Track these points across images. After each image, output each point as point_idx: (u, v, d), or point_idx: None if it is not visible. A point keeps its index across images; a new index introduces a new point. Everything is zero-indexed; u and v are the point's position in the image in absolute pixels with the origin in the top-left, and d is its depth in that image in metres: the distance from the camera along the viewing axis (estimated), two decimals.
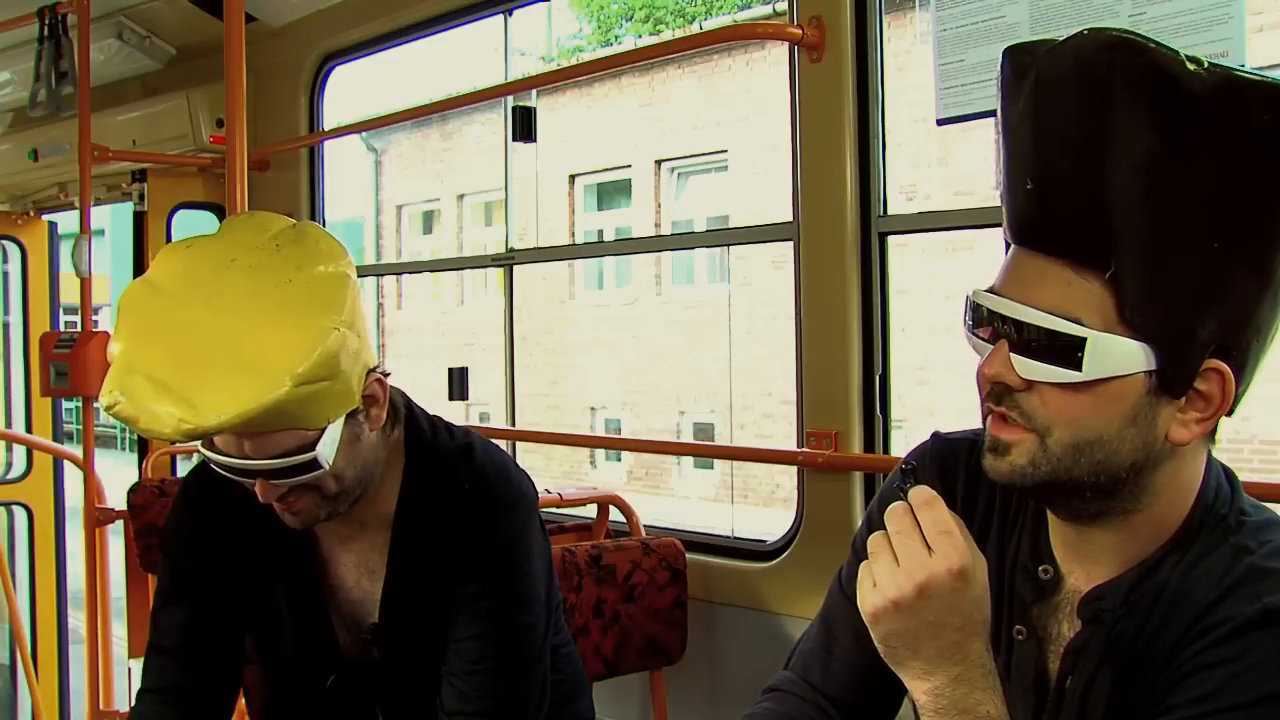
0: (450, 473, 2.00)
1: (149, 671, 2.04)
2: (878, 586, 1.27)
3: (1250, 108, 1.20)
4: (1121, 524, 1.32)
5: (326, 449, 1.80)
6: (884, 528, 1.30)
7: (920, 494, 1.28)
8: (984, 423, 1.34)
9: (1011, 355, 1.27)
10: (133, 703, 2.08)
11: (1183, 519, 1.32)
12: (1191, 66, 1.20)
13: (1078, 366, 1.23)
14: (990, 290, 1.31)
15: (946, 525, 1.25)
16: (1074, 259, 1.24)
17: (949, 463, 1.50)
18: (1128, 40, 1.21)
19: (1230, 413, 1.29)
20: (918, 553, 1.25)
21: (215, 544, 2.03)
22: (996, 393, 1.30)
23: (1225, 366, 1.25)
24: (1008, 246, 1.34)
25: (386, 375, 1.93)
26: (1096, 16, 2.18)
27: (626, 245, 13.37)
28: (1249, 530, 1.31)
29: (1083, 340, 1.22)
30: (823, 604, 1.62)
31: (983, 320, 1.31)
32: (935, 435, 1.56)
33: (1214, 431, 1.31)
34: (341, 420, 1.82)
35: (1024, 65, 1.28)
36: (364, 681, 2.06)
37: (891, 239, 2.61)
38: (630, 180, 15.43)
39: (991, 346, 1.29)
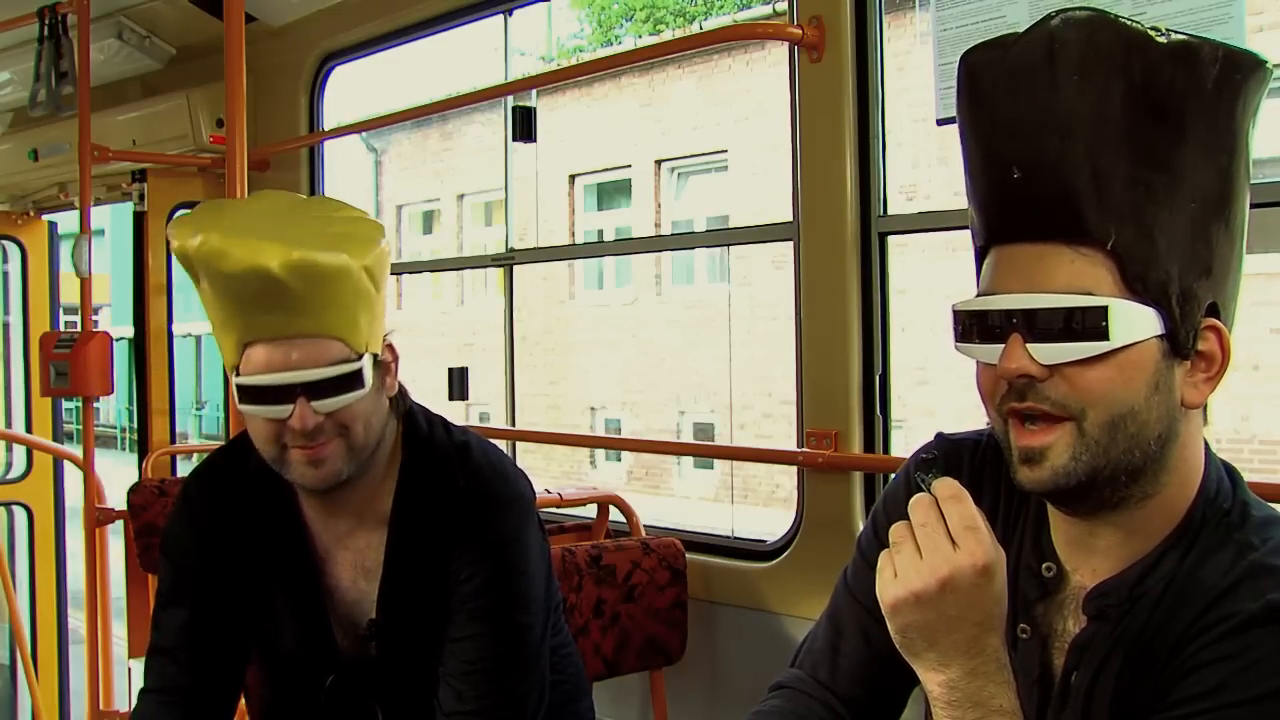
0: (446, 469, 2.01)
1: (150, 672, 2.06)
2: (899, 577, 1.27)
3: (1205, 68, 1.24)
4: (1133, 514, 1.32)
5: (366, 374, 1.86)
6: (889, 527, 1.30)
7: (946, 487, 1.29)
8: (1004, 437, 1.32)
9: (1028, 346, 1.26)
10: (134, 703, 2.09)
11: (1185, 511, 1.33)
12: (1154, 35, 1.23)
13: (1105, 336, 1.23)
14: (987, 294, 1.31)
15: (973, 520, 1.26)
16: (1072, 238, 1.25)
17: (953, 463, 1.49)
18: (1098, 16, 1.24)
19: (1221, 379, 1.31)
20: (942, 546, 1.25)
21: (215, 546, 2.04)
22: (1019, 389, 1.28)
23: (1220, 324, 1.28)
24: (979, 256, 1.35)
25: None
26: None
27: (626, 245, 13.37)
28: (1253, 526, 1.31)
29: (1105, 309, 1.23)
30: (829, 602, 1.62)
31: (984, 327, 1.30)
32: (939, 436, 1.56)
33: (1206, 410, 1.33)
34: (372, 362, 1.88)
35: (989, 61, 1.30)
36: (363, 680, 2.06)
37: (891, 239, 2.61)
38: (630, 180, 15.43)
39: (999, 347, 1.28)
